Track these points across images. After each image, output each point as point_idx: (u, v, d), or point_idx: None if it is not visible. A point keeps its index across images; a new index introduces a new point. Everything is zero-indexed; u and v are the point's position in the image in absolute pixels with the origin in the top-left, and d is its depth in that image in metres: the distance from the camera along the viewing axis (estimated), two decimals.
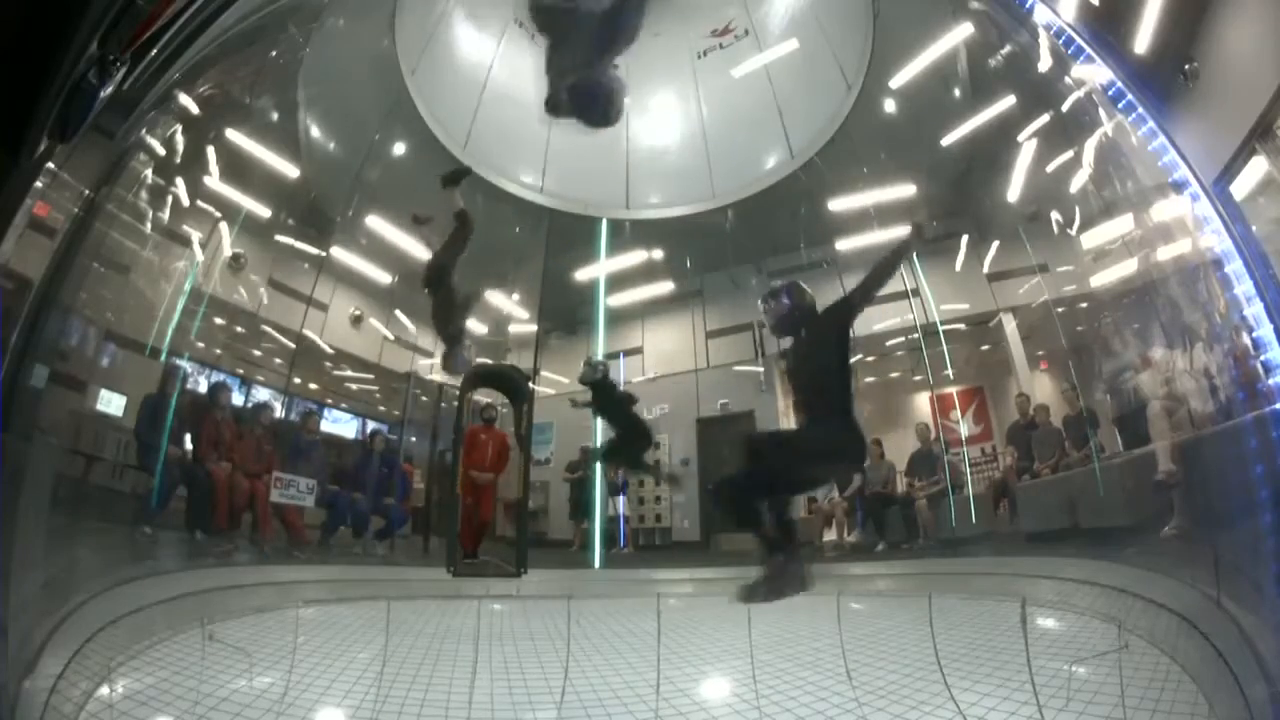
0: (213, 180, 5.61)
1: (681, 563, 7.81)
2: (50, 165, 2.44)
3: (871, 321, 8.20)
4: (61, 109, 1.89)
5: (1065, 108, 4.95)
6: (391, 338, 8.39)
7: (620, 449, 6.55)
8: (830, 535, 7.58)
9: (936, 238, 7.66)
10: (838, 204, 7.96)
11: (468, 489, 7.34)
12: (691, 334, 9.27)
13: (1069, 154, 5.36)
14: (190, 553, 5.40)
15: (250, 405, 6.71)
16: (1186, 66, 3.60)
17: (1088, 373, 6.09)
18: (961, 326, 7.77)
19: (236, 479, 5.81)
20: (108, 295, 4.39)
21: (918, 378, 8.49)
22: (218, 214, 5.84)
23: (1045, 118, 5.49)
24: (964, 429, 7.79)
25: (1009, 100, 6.06)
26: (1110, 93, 4.04)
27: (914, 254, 7.13)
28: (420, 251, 8.20)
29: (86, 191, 3.30)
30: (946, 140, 6.94)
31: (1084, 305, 6.21)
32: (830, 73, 7.85)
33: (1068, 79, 4.61)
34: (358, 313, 8.04)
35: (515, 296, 9.12)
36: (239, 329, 6.75)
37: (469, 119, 8.28)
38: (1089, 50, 4.05)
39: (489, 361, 8.64)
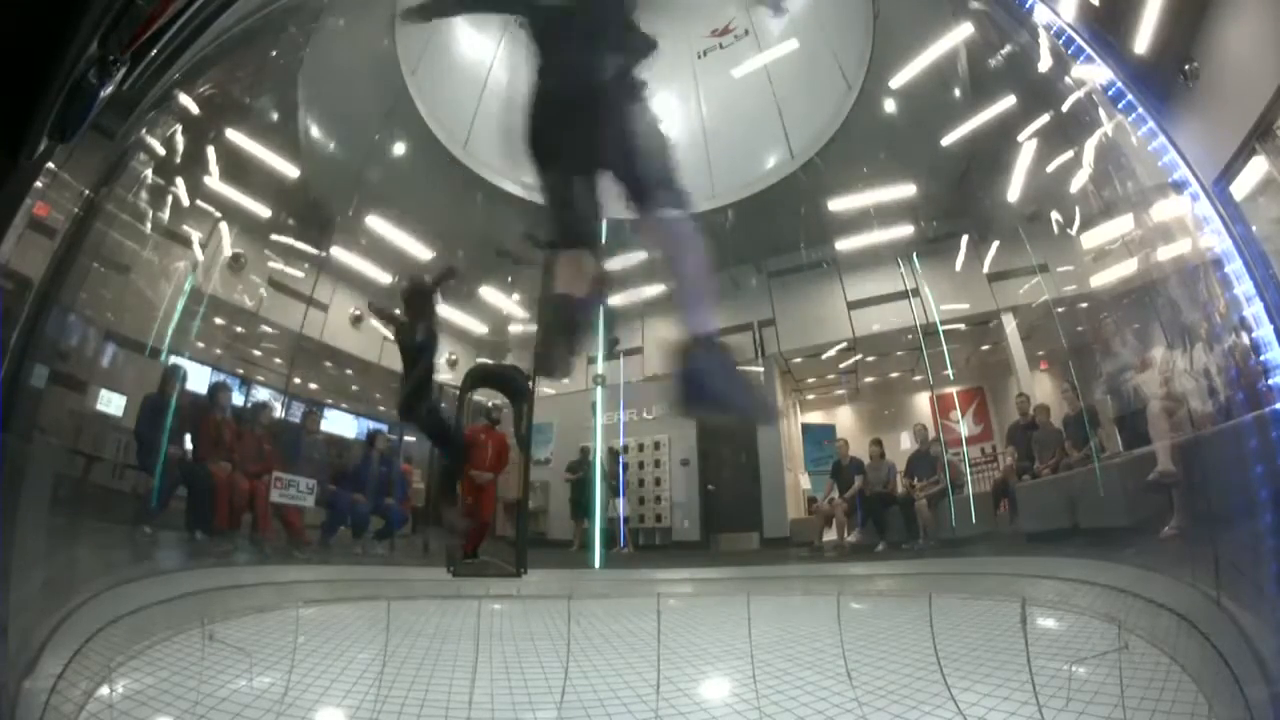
0: (213, 180, 5.61)
1: (681, 563, 7.81)
2: (50, 165, 2.45)
3: (871, 321, 8.23)
4: (61, 109, 1.89)
5: (1065, 108, 4.94)
6: (392, 338, 8.38)
7: None
8: (830, 535, 7.59)
9: (936, 238, 7.67)
10: (838, 204, 7.96)
11: (468, 489, 7.33)
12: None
13: (1069, 154, 5.36)
14: (190, 553, 5.40)
15: (250, 405, 6.71)
16: (1186, 66, 3.60)
17: (1088, 373, 6.09)
18: (961, 326, 7.77)
19: (236, 479, 5.81)
20: (108, 295, 4.38)
21: (918, 378, 8.51)
22: (218, 214, 5.83)
23: (1045, 118, 5.49)
24: (964, 429, 7.80)
25: (1009, 100, 6.06)
26: (1110, 93, 4.04)
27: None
28: (420, 252, 8.24)
29: (86, 191, 3.30)
30: (946, 140, 6.94)
31: (1084, 305, 6.21)
32: (830, 73, 7.85)
33: (1068, 79, 4.61)
34: (358, 313, 8.03)
35: (515, 297, 9.12)
36: (239, 329, 6.75)
37: (469, 119, 8.28)
38: (1089, 50, 4.05)
39: (489, 361, 8.64)
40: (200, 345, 6.00)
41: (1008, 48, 5.83)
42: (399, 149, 7.87)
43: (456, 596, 5.96)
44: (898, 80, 7.24)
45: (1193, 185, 3.63)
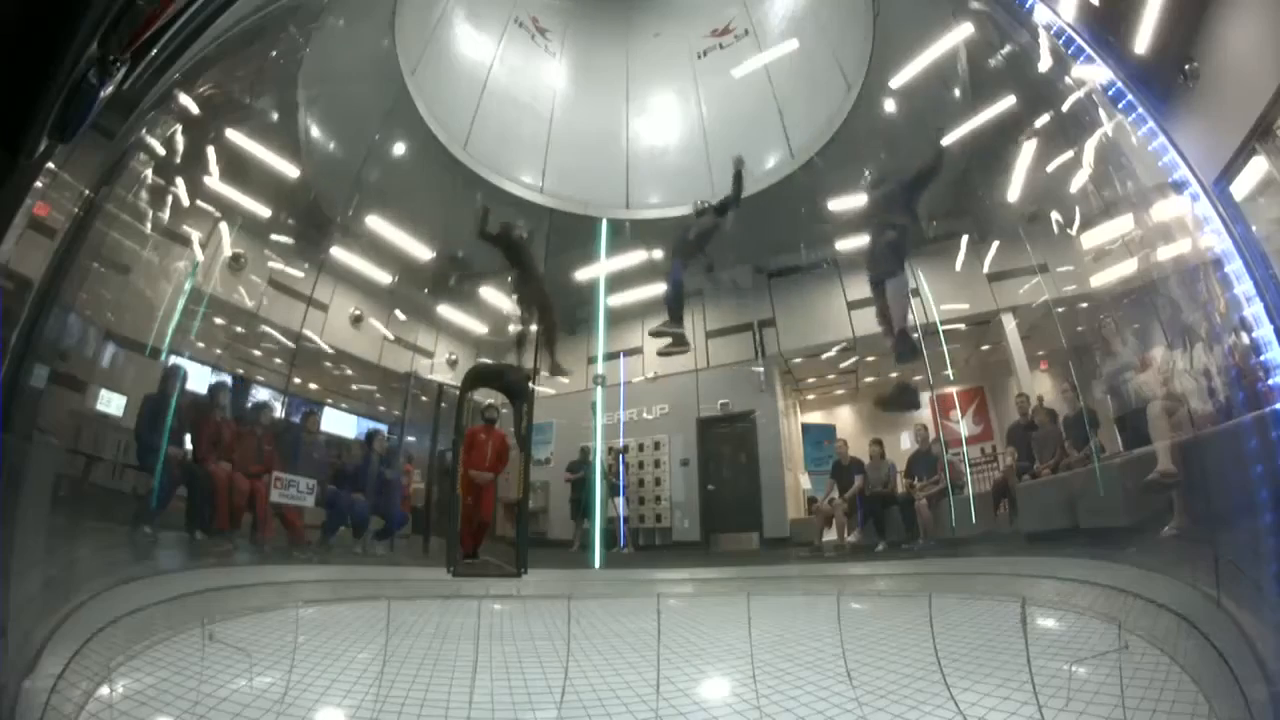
0: (213, 180, 5.60)
1: (681, 563, 7.81)
2: (50, 165, 2.44)
3: (872, 321, 8.22)
4: (61, 109, 1.89)
5: (1065, 108, 4.94)
6: (391, 338, 8.39)
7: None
8: (830, 535, 7.59)
9: (936, 238, 7.67)
10: (838, 204, 7.97)
11: (468, 489, 7.34)
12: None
13: (1069, 154, 5.36)
14: (190, 553, 5.40)
15: (250, 405, 6.71)
16: (1186, 66, 3.60)
17: (1088, 373, 6.09)
18: (961, 326, 7.77)
19: (236, 479, 5.81)
20: (108, 295, 4.38)
21: (918, 377, 8.50)
22: (218, 214, 5.83)
23: (1045, 118, 5.49)
24: (964, 429, 7.80)
25: (1009, 100, 6.06)
26: (1110, 93, 4.04)
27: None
28: (420, 252, 8.25)
29: (86, 191, 3.30)
30: (946, 140, 6.94)
31: (1084, 305, 6.21)
32: (830, 73, 7.86)
33: (1068, 79, 4.61)
34: (358, 313, 8.04)
35: (515, 296, 9.13)
36: (239, 329, 6.76)
37: (469, 119, 8.28)
38: (1089, 50, 4.05)
39: (489, 361, 8.64)
40: (200, 345, 6.00)
41: (1008, 48, 5.83)
42: (399, 149, 7.88)
43: (456, 596, 5.96)
44: (898, 80, 7.24)
45: (1193, 185, 3.63)
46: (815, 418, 9.65)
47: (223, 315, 6.49)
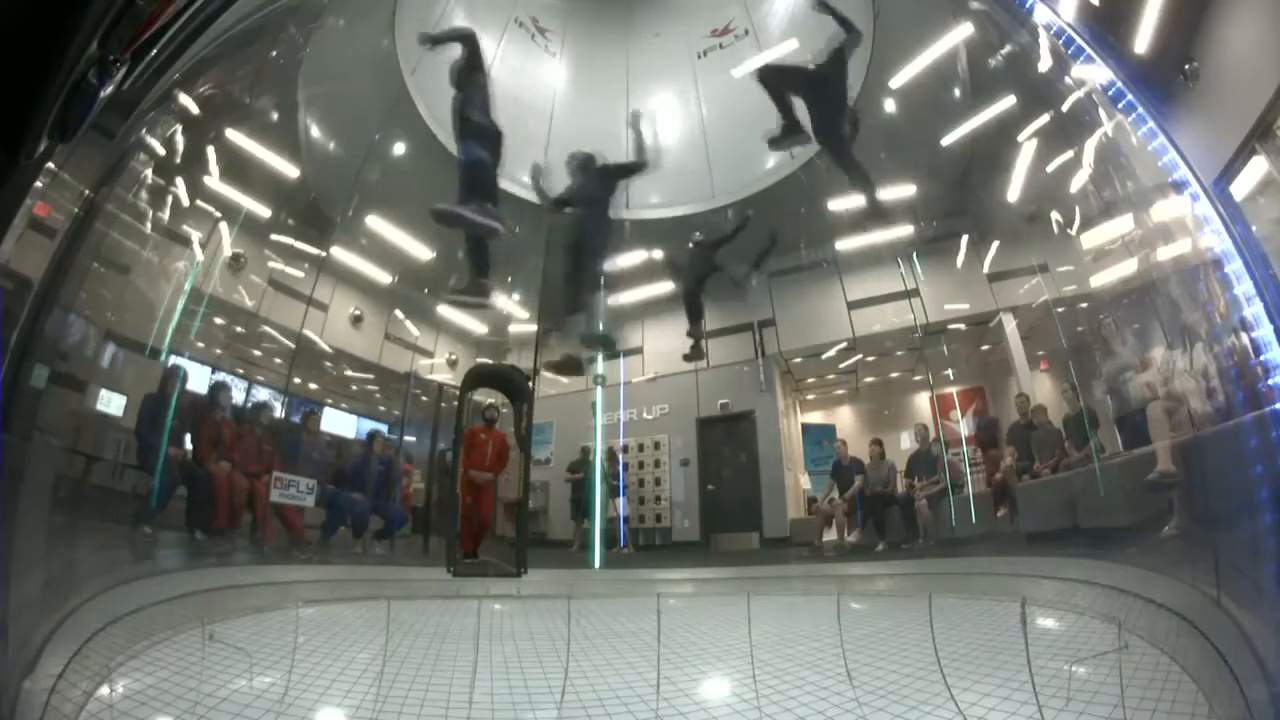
0: (213, 180, 5.60)
1: (681, 563, 7.81)
2: (50, 165, 2.44)
3: (871, 321, 8.23)
4: (61, 109, 1.89)
5: (1065, 108, 4.94)
6: (391, 338, 8.39)
7: None
8: (830, 535, 7.59)
9: (936, 238, 7.67)
10: (838, 204, 7.96)
11: (467, 489, 7.34)
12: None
13: (1069, 154, 5.36)
14: (190, 553, 5.40)
15: (250, 405, 6.71)
16: (1186, 66, 3.60)
17: (1088, 373, 6.09)
18: (961, 326, 7.77)
19: (236, 479, 5.81)
20: (108, 295, 4.38)
21: (918, 378, 8.52)
22: (218, 214, 5.83)
23: (1045, 118, 5.49)
24: (964, 429, 7.80)
25: (1009, 100, 6.07)
26: (1110, 93, 4.04)
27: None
28: (420, 252, 8.24)
29: (86, 191, 3.30)
30: (946, 140, 6.94)
31: (1084, 305, 6.21)
32: None
33: (1068, 79, 4.61)
34: (358, 313, 8.04)
35: (515, 296, 9.12)
36: (239, 329, 6.75)
37: None
38: (1089, 50, 4.05)
39: (489, 361, 8.64)
40: (200, 345, 6.00)
41: (1008, 48, 5.83)
42: (399, 148, 7.88)
43: (456, 596, 5.96)
44: (898, 80, 7.24)
45: (1193, 185, 3.63)
46: (815, 418, 9.65)
47: (223, 315, 6.49)
